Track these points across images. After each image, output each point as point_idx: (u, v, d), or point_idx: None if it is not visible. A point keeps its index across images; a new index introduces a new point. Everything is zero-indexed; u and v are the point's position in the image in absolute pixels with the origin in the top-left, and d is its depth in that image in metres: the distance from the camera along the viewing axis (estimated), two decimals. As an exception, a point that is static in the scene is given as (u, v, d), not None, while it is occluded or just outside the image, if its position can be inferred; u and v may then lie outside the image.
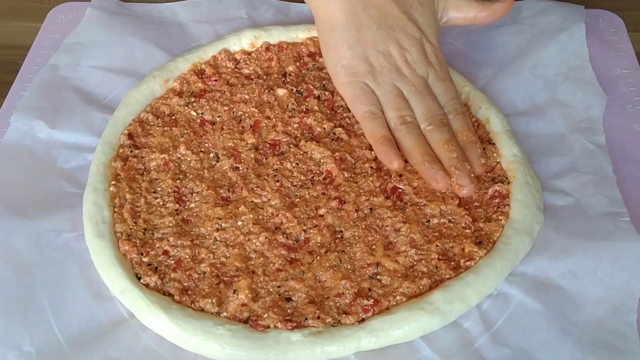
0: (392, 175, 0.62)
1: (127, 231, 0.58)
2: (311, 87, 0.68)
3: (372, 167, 0.62)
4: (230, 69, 0.71)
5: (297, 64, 0.71)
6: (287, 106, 0.67)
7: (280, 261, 0.56)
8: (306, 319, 0.52)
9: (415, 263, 0.56)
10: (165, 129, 0.65)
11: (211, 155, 0.64)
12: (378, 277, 0.55)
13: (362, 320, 0.53)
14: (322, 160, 0.63)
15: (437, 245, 0.57)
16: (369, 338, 0.52)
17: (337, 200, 0.60)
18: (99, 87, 0.70)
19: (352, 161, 0.63)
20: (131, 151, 0.64)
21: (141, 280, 0.55)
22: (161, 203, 0.60)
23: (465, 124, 0.60)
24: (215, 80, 0.70)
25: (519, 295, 0.55)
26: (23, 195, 0.61)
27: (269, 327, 0.52)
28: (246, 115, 0.67)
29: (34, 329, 0.53)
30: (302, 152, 0.63)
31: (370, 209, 0.60)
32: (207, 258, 0.56)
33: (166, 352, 0.52)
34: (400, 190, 0.61)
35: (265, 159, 0.63)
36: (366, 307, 0.53)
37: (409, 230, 0.58)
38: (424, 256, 0.56)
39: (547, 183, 0.62)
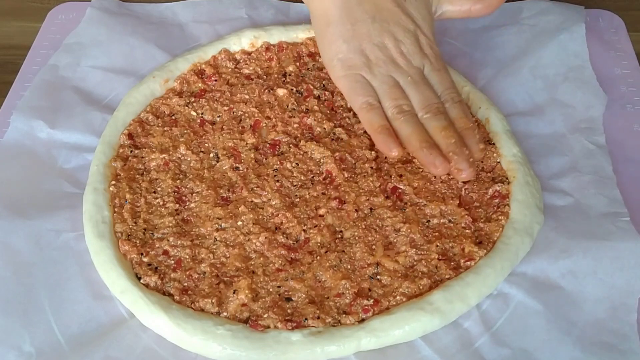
0: (392, 176, 0.62)
1: (127, 231, 0.58)
2: (311, 87, 0.68)
3: (372, 167, 0.62)
4: (230, 69, 0.71)
5: (297, 64, 0.71)
6: (287, 106, 0.67)
7: (280, 261, 0.56)
8: (306, 319, 0.52)
9: (415, 263, 0.56)
10: (165, 129, 0.65)
11: (211, 155, 0.64)
12: (378, 277, 0.55)
13: (362, 320, 0.53)
14: (322, 160, 0.63)
15: (437, 245, 0.57)
16: (369, 338, 0.52)
17: (337, 200, 0.60)
18: (99, 87, 0.70)
19: (352, 161, 0.63)
20: (131, 151, 0.64)
21: (141, 280, 0.55)
22: (161, 203, 0.60)
23: (462, 111, 0.60)
24: (215, 80, 0.70)
25: (519, 295, 0.55)
26: (23, 195, 0.61)
27: (269, 327, 0.52)
28: (246, 115, 0.67)
29: (34, 329, 0.53)
30: (302, 152, 0.63)
31: (370, 209, 0.60)
32: (207, 258, 0.56)
33: (166, 352, 0.52)
34: (400, 191, 0.61)
35: (265, 159, 0.63)
36: (366, 307, 0.53)
37: (409, 230, 0.58)
38: (424, 256, 0.56)
39: (547, 183, 0.62)
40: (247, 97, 0.68)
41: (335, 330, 0.52)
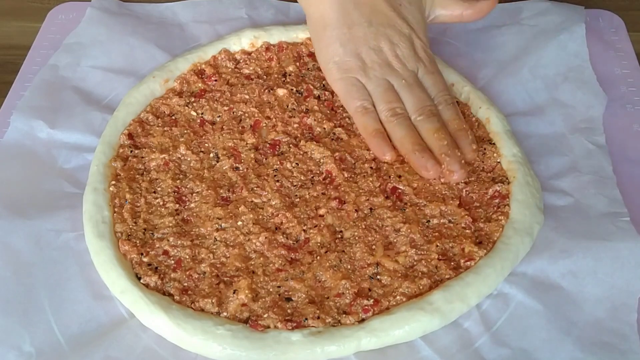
0: (392, 176, 0.62)
1: (127, 231, 0.58)
2: (311, 87, 0.68)
3: (372, 167, 0.62)
4: (230, 69, 0.71)
5: (297, 64, 0.71)
6: (287, 106, 0.67)
7: (280, 261, 0.56)
8: (306, 319, 0.52)
9: (415, 263, 0.56)
10: (165, 129, 0.65)
11: (211, 155, 0.64)
12: (378, 277, 0.55)
13: (362, 320, 0.53)
14: (322, 160, 0.63)
15: (437, 245, 0.57)
16: (369, 338, 0.52)
17: (337, 200, 0.60)
18: (99, 87, 0.70)
19: (352, 161, 0.63)
20: (131, 151, 0.64)
21: (141, 280, 0.55)
22: (161, 203, 0.60)
23: (455, 114, 0.61)
24: (215, 80, 0.70)
25: (519, 295, 0.55)
26: (23, 195, 0.61)
27: (269, 327, 0.52)
28: (246, 115, 0.67)
29: (34, 329, 0.53)
30: (302, 152, 0.63)
31: (370, 209, 0.60)
32: (207, 258, 0.56)
33: (166, 352, 0.52)
34: (400, 191, 0.61)
35: (265, 159, 0.63)
36: (366, 307, 0.53)
37: (409, 231, 0.58)
38: (424, 256, 0.56)
39: (547, 183, 0.62)
40: (247, 97, 0.68)
41: (335, 330, 0.52)
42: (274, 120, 0.66)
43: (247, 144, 0.64)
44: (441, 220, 0.59)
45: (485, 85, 0.71)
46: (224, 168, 0.63)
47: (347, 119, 0.66)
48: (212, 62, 0.71)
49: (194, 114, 0.67)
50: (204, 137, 0.65)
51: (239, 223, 0.58)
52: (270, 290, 0.55)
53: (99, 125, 0.66)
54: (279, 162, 0.63)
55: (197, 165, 0.63)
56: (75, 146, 0.65)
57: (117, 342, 0.52)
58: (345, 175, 0.61)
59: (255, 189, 0.61)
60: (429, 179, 0.61)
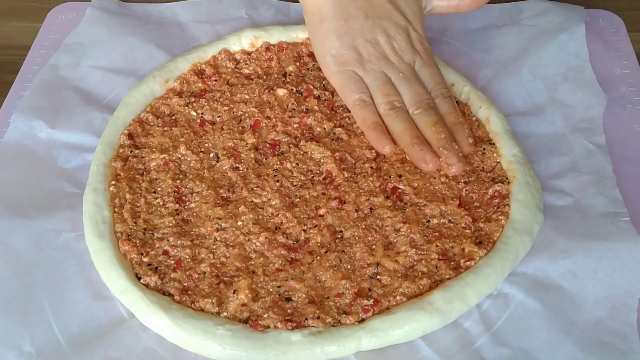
0: (392, 176, 0.62)
1: (127, 231, 0.58)
2: (311, 87, 0.68)
3: (372, 167, 0.62)
4: (230, 69, 0.71)
5: (297, 64, 0.71)
6: (287, 106, 0.67)
7: (280, 261, 0.56)
8: (306, 319, 0.52)
9: (415, 263, 0.56)
10: (165, 129, 0.65)
11: (211, 155, 0.64)
12: (378, 277, 0.55)
13: (362, 320, 0.53)
14: (322, 160, 0.63)
15: (437, 245, 0.57)
16: (369, 338, 0.52)
17: (337, 200, 0.60)
18: (99, 87, 0.70)
19: (352, 161, 0.63)
20: (131, 151, 0.64)
21: (141, 280, 0.55)
22: (161, 203, 0.60)
23: (452, 107, 0.61)
24: (215, 80, 0.70)
25: (519, 295, 0.55)
26: (23, 195, 0.61)
27: (269, 327, 0.52)
28: (246, 115, 0.67)
29: (34, 329, 0.53)
30: (302, 152, 0.63)
31: (370, 209, 0.60)
32: (207, 258, 0.56)
33: (166, 352, 0.52)
34: (400, 191, 0.61)
35: (265, 159, 0.63)
36: (366, 307, 0.53)
37: (409, 230, 0.58)
38: (424, 256, 0.56)
39: (547, 183, 0.62)
40: (247, 97, 0.68)
41: (335, 330, 0.52)
42: (274, 120, 0.66)
43: (247, 144, 0.64)
44: (441, 220, 0.59)
45: (485, 85, 0.71)
46: (224, 168, 0.63)
47: (347, 119, 0.66)
48: (212, 62, 0.71)
49: (194, 114, 0.67)
50: (204, 137, 0.65)
51: (239, 223, 0.58)
52: (270, 290, 0.55)
53: (99, 125, 0.66)
54: (279, 162, 0.63)
55: (197, 165, 0.63)
56: (75, 146, 0.65)
57: (117, 342, 0.52)
58: (346, 175, 0.61)
59: (255, 189, 0.61)
60: (429, 179, 0.61)
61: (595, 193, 0.60)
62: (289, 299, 0.54)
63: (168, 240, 0.57)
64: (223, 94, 0.68)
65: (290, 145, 0.64)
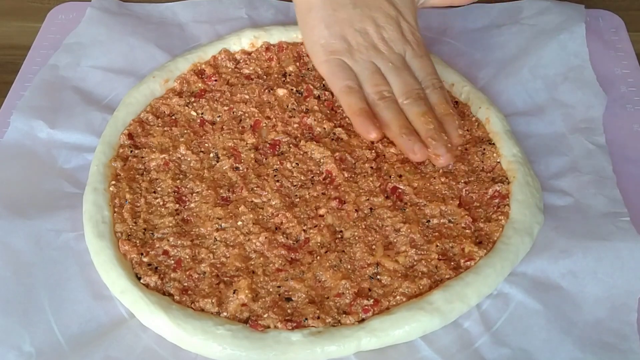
0: (392, 176, 0.62)
1: (127, 231, 0.58)
2: (311, 87, 0.68)
3: (372, 167, 0.62)
4: (230, 69, 0.71)
5: (297, 64, 0.71)
6: (287, 106, 0.67)
7: (280, 261, 0.56)
8: (306, 319, 0.52)
9: (415, 263, 0.56)
10: (165, 129, 0.66)
11: (211, 155, 0.64)
12: (378, 277, 0.55)
13: (362, 320, 0.53)
14: (322, 160, 0.63)
15: (437, 245, 0.57)
16: (369, 338, 0.52)
17: (337, 200, 0.60)
18: (99, 87, 0.70)
19: (352, 161, 0.63)
20: (131, 151, 0.64)
21: (141, 280, 0.55)
22: (161, 203, 0.60)
23: (442, 97, 0.60)
24: (215, 80, 0.70)
25: (519, 295, 0.55)
26: (23, 195, 0.61)
27: (269, 327, 0.52)
28: (246, 115, 0.67)
29: (34, 329, 0.53)
30: (302, 152, 0.63)
31: (370, 209, 0.60)
32: (207, 258, 0.56)
33: (166, 352, 0.52)
34: (400, 191, 0.61)
35: (265, 159, 0.63)
36: (366, 307, 0.53)
37: (409, 230, 0.58)
38: (424, 256, 0.56)
39: (547, 183, 0.62)
40: (247, 97, 0.68)
41: (335, 330, 0.52)
42: (274, 120, 0.66)
43: (247, 144, 0.64)
44: (441, 220, 0.59)
45: (485, 85, 0.71)
46: (224, 168, 0.63)
47: (347, 119, 0.66)
48: (212, 62, 0.71)
49: (194, 114, 0.67)
50: (204, 137, 0.65)
51: (239, 223, 0.58)
52: (270, 290, 0.55)
53: (99, 125, 0.66)
54: (279, 162, 0.63)
55: (197, 165, 0.63)
56: (75, 146, 0.65)
57: (117, 342, 0.52)
58: (345, 175, 0.61)
59: (255, 189, 0.61)
60: (429, 179, 0.61)
61: (595, 193, 0.60)
62: (289, 299, 0.54)
63: (168, 240, 0.57)
64: (223, 94, 0.68)
65: (290, 145, 0.64)
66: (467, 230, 0.58)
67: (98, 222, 0.58)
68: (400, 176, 0.62)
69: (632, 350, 0.51)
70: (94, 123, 0.67)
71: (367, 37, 0.61)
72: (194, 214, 0.59)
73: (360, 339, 0.52)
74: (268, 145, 0.64)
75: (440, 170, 0.62)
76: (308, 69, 0.71)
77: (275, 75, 0.70)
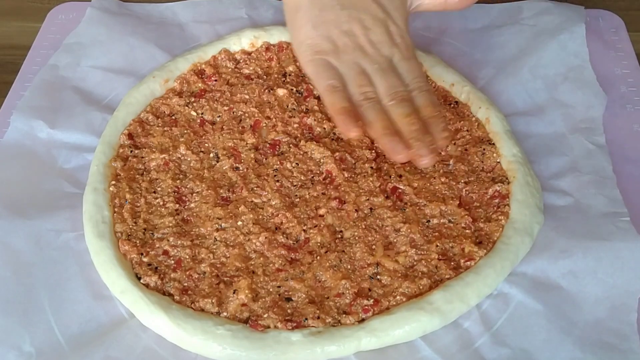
0: (392, 176, 0.62)
1: (127, 231, 0.58)
2: (311, 87, 0.68)
3: (372, 167, 0.62)
4: (230, 69, 0.71)
5: (297, 64, 0.71)
6: (287, 106, 0.67)
7: (280, 261, 0.56)
8: (306, 319, 0.52)
9: (415, 263, 0.56)
10: (165, 129, 0.66)
11: (211, 155, 0.64)
12: (378, 277, 0.55)
13: (362, 320, 0.53)
14: (322, 160, 0.63)
15: (437, 245, 0.57)
16: (369, 338, 0.52)
17: (337, 200, 0.60)
18: (99, 87, 0.70)
19: (352, 161, 0.63)
20: (131, 151, 0.64)
21: (141, 280, 0.55)
22: (161, 203, 0.60)
23: (428, 100, 0.59)
24: (215, 80, 0.70)
25: (519, 295, 0.55)
26: (23, 195, 0.61)
27: (269, 327, 0.52)
28: (246, 115, 0.67)
29: (34, 329, 0.53)
30: (302, 152, 0.63)
31: (370, 209, 0.60)
32: (207, 258, 0.56)
33: (166, 352, 0.52)
34: (400, 191, 0.61)
35: (265, 159, 0.63)
36: (366, 307, 0.53)
37: (409, 230, 0.58)
38: (424, 256, 0.56)
39: (547, 183, 0.62)
40: (247, 97, 0.68)
41: (335, 330, 0.52)
42: (274, 120, 0.66)
43: (247, 144, 0.64)
44: (441, 220, 0.59)
45: (485, 85, 0.71)
46: (224, 168, 0.63)
47: (347, 119, 0.66)
48: (212, 62, 0.71)
49: (194, 114, 0.67)
50: (204, 137, 0.65)
51: (239, 223, 0.58)
52: (270, 290, 0.55)
53: (99, 125, 0.66)
54: (279, 162, 0.63)
55: (197, 165, 0.63)
56: (75, 146, 0.65)
57: (117, 342, 0.52)
58: (345, 175, 0.61)
59: (255, 189, 0.61)
60: (429, 179, 0.61)
61: (595, 193, 0.60)
62: (289, 299, 0.54)
63: (168, 240, 0.57)
64: (223, 94, 0.68)
65: (290, 145, 0.64)
66: (467, 230, 0.58)
67: (98, 222, 0.58)
68: (400, 176, 0.62)
69: (632, 350, 0.51)
70: (94, 123, 0.67)
71: (353, 38, 0.61)
72: (194, 214, 0.59)
73: (360, 339, 0.52)
74: (268, 145, 0.64)
75: (441, 171, 0.62)
76: (308, 69, 0.71)
77: (275, 75, 0.70)
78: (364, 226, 0.58)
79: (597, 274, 0.55)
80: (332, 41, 0.60)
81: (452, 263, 0.56)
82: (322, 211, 0.59)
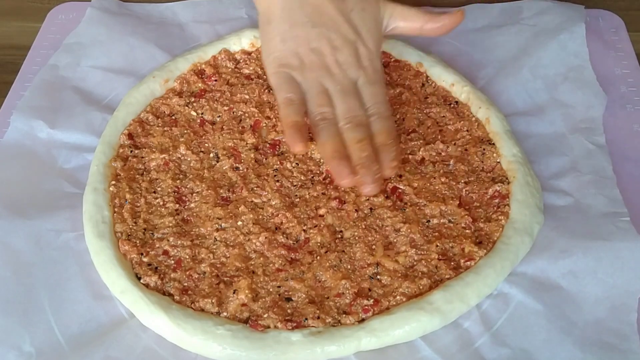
0: (392, 176, 0.62)
1: (127, 231, 0.58)
2: (311, 87, 0.68)
3: (372, 167, 0.62)
4: (230, 69, 0.71)
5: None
6: (287, 106, 0.67)
7: (280, 261, 0.56)
8: (306, 319, 0.52)
9: (415, 263, 0.56)
10: (165, 129, 0.66)
11: (211, 155, 0.64)
12: (378, 277, 0.55)
13: (362, 320, 0.53)
14: (322, 160, 0.63)
15: (437, 245, 0.57)
16: (369, 338, 0.52)
17: (337, 200, 0.60)
18: (99, 87, 0.70)
19: (352, 161, 0.63)
20: (131, 151, 0.64)
21: (141, 280, 0.55)
22: (161, 203, 0.60)
23: (384, 127, 0.59)
24: (215, 80, 0.70)
25: (519, 295, 0.55)
26: (23, 195, 0.61)
27: (269, 327, 0.52)
28: (246, 115, 0.67)
29: (34, 329, 0.53)
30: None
31: (370, 209, 0.60)
32: (207, 258, 0.56)
33: (166, 352, 0.52)
34: (400, 191, 0.61)
35: (265, 159, 0.63)
36: (366, 307, 0.53)
37: (409, 230, 0.58)
38: (424, 256, 0.56)
39: (547, 183, 0.62)
40: (247, 97, 0.68)
41: (335, 330, 0.52)
42: (274, 120, 0.66)
43: (247, 144, 0.64)
44: (441, 220, 0.59)
45: (485, 85, 0.71)
46: (224, 168, 0.63)
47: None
48: (212, 62, 0.71)
49: (194, 114, 0.67)
50: (204, 137, 0.65)
51: (239, 223, 0.58)
52: (270, 290, 0.55)
53: (99, 125, 0.66)
54: (279, 162, 0.63)
55: (197, 165, 0.63)
56: (75, 146, 0.65)
57: (117, 342, 0.52)
58: (345, 175, 0.61)
59: (255, 189, 0.61)
60: (429, 179, 0.61)
61: (595, 193, 0.60)
62: (289, 299, 0.54)
63: (168, 240, 0.57)
64: (223, 94, 0.68)
65: (290, 145, 0.64)
66: (467, 230, 0.58)
67: (98, 222, 0.58)
68: (400, 176, 0.62)
69: (632, 350, 0.51)
70: (94, 123, 0.67)
71: (320, 57, 0.60)
72: (194, 214, 0.59)
73: (360, 339, 0.52)
74: (268, 145, 0.64)
75: (441, 171, 0.62)
76: (308, 69, 0.71)
77: (275, 75, 0.70)
78: (364, 226, 0.58)
79: (597, 274, 0.55)
80: (299, 57, 0.60)
81: (452, 263, 0.56)
82: (322, 211, 0.59)
